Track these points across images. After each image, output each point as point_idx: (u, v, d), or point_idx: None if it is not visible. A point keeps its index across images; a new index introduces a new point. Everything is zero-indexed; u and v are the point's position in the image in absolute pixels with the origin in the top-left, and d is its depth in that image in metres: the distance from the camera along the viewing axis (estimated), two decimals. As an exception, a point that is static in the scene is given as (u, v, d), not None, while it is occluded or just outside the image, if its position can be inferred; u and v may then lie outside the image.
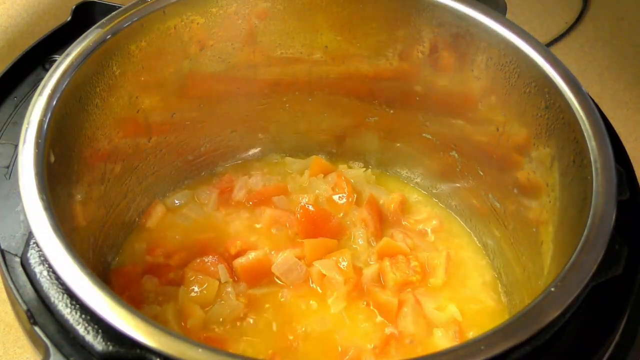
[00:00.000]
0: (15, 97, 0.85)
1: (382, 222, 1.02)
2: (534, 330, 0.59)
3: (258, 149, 1.11)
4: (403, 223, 1.04)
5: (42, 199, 0.65)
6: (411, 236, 1.01)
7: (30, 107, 0.72)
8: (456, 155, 1.00)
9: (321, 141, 1.11)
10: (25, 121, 0.71)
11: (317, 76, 1.01)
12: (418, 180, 1.10)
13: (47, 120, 0.71)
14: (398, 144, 1.07)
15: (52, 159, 0.70)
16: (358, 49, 0.97)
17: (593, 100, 0.78)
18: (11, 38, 1.38)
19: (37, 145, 0.69)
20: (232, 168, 1.10)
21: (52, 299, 0.62)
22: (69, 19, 0.92)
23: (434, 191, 1.08)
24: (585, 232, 0.66)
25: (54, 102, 0.73)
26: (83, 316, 0.60)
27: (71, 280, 0.60)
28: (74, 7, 0.93)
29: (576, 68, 0.77)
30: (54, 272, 0.62)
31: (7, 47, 1.36)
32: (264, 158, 1.12)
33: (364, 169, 1.11)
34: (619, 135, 0.82)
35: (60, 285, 0.62)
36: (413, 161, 1.08)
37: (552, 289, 0.61)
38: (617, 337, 0.66)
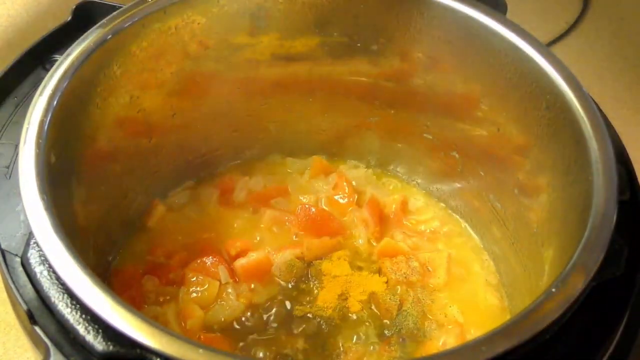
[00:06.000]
0: (16, 97, 0.85)
1: (382, 222, 1.02)
2: (535, 330, 0.59)
3: (258, 149, 1.11)
4: (404, 223, 1.03)
5: (42, 199, 0.65)
6: (412, 236, 1.01)
7: (30, 107, 0.72)
8: (457, 155, 1.00)
9: (322, 141, 1.11)
10: (26, 121, 0.71)
11: (317, 76, 1.01)
12: (419, 180, 1.10)
13: (47, 120, 0.71)
14: (399, 144, 1.07)
15: (53, 159, 0.70)
16: (358, 49, 0.97)
17: (594, 100, 0.78)
18: (11, 38, 1.38)
19: (38, 145, 0.69)
20: (232, 168, 1.10)
21: (53, 299, 0.61)
22: (69, 19, 0.92)
23: (435, 191, 1.08)
24: (586, 233, 0.66)
25: (55, 102, 0.73)
26: (83, 316, 0.59)
27: (71, 280, 0.59)
28: (74, 7, 0.93)
29: (576, 68, 0.77)
30: (54, 272, 0.62)
31: (7, 47, 1.36)
32: (264, 158, 1.12)
33: (365, 169, 1.11)
34: (620, 135, 0.82)
35: (60, 285, 0.62)
36: (414, 161, 1.08)
37: (553, 290, 0.61)
38: (617, 337, 0.66)
